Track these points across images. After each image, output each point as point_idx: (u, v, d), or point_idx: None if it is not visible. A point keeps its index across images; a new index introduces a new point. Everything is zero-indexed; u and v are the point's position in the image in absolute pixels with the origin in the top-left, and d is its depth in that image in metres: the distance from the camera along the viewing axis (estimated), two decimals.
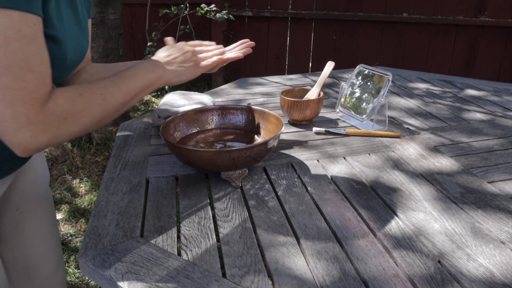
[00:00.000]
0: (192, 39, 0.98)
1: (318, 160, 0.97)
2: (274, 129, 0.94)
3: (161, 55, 0.82)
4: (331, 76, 1.69)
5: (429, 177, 0.90)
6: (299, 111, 1.13)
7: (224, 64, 0.94)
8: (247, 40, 0.97)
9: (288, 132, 1.12)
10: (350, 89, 1.19)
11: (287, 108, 1.14)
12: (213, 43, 0.95)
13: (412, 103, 1.37)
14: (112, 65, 0.93)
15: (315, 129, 1.12)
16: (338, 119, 1.22)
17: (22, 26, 0.55)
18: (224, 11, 2.92)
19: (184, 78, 0.83)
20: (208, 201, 0.81)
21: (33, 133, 0.58)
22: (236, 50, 0.94)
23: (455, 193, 0.84)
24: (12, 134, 0.57)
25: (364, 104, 1.13)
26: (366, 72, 1.17)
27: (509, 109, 1.32)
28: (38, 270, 0.94)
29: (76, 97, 0.64)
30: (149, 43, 2.83)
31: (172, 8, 2.86)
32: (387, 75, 1.11)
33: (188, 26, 3.04)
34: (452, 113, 1.28)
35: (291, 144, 1.05)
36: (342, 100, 1.20)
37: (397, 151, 1.02)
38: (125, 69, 0.74)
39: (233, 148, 0.81)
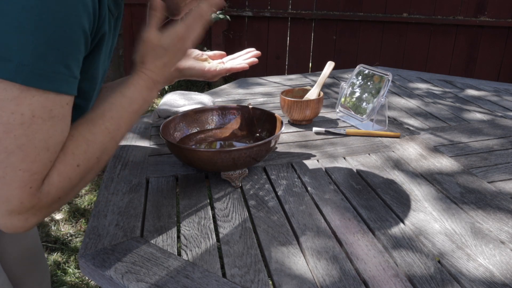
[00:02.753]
0: None
1: (318, 160, 0.97)
2: (274, 129, 0.94)
3: (156, 63, 0.69)
4: (331, 76, 1.69)
5: (429, 177, 0.90)
6: (299, 111, 1.13)
7: (227, 74, 0.94)
8: (253, 49, 0.97)
9: (288, 132, 1.13)
10: (350, 89, 1.19)
11: (287, 108, 1.14)
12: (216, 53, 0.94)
13: (412, 103, 1.37)
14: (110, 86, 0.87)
15: (315, 129, 1.12)
16: (338, 119, 1.22)
17: (55, 106, 0.53)
18: (220, 11, 2.92)
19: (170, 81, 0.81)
20: (208, 201, 0.81)
21: (24, 217, 0.54)
22: (241, 60, 0.94)
23: (455, 193, 0.84)
24: (0, 216, 0.53)
25: (364, 104, 1.13)
26: (366, 72, 1.17)
27: (509, 109, 1.32)
28: None
29: (72, 171, 0.58)
30: None
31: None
32: (387, 75, 1.11)
33: None
34: (452, 113, 1.28)
35: (291, 144, 1.05)
36: (342, 100, 1.20)
37: (397, 151, 1.02)
38: (121, 100, 0.66)
39: (233, 148, 0.81)
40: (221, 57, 0.97)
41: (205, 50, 0.98)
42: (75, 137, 0.59)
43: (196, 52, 0.97)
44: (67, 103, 0.55)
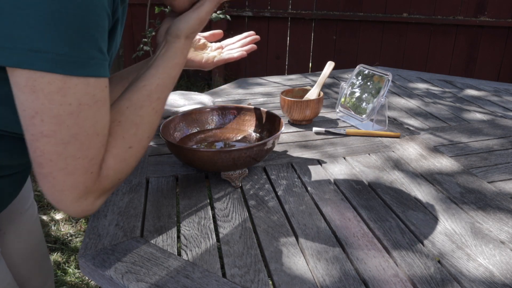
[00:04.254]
0: None
1: (318, 160, 0.97)
2: (274, 129, 0.94)
3: (182, 22, 0.69)
4: (331, 76, 1.69)
5: (429, 177, 0.90)
6: (299, 111, 1.13)
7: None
8: (252, 32, 0.95)
9: (288, 132, 1.12)
10: (350, 89, 1.19)
11: (287, 108, 1.14)
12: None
13: (412, 103, 1.37)
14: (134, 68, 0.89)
15: (315, 129, 1.12)
16: (338, 119, 1.22)
17: (96, 91, 0.54)
18: (220, 11, 2.92)
19: None
20: (208, 201, 0.81)
21: (91, 201, 0.58)
22: (239, 48, 0.93)
23: (455, 193, 0.84)
24: (70, 203, 0.56)
25: (364, 104, 1.13)
26: (366, 72, 1.17)
27: (509, 109, 1.32)
28: (27, 287, 0.93)
29: (126, 153, 0.61)
30: (143, 40, 2.82)
31: (168, 6, 2.85)
32: (387, 75, 1.11)
33: None
34: (452, 113, 1.28)
35: (291, 144, 1.05)
36: (342, 100, 1.20)
37: (397, 151, 1.02)
38: (167, 81, 0.67)
39: (233, 148, 0.81)
40: (218, 36, 0.95)
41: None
42: (122, 122, 0.62)
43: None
44: (106, 86, 0.56)
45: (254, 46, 0.93)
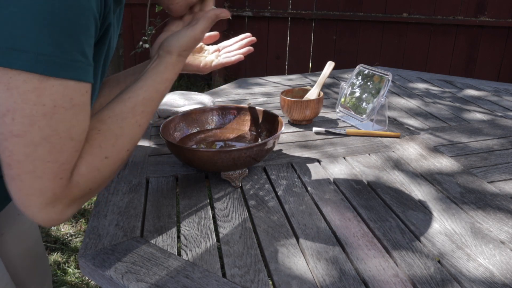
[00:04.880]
0: None
1: (318, 160, 0.97)
2: (274, 129, 0.94)
3: (176, 43, 0.69)
4: (331, 76, 1.69)
5: (429, 177, 0.90)
6: (299, 111, 1.13)
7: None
8: (249, 34, 0.96)
9: (288, 132, 1.12)
10: (350, 89, 1.19)
11: (287, 108, 1.14)
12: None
13: (412, 103, 1.37)
14: (126, 74, 0.88)
15: (315, 129, 1.12)
16: (338, 119, 1.22)
17: (75, 95, 0.52)
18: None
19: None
20: (208, 201, 0.81)
21: (59, 209, 0.55)
22: (236, 51, 0.93)
23: (455, 193, 0.84)
24: (37, 209, 0.54)
25: (364, 104, 1.13)
26: (366, 72, 1.17)
27: (509, 109, 1.32)
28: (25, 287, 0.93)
29: (100, 162, 0.59)
30: (143, 38, 2.83)
31: None
32: (387, 75, 1.11)
33: None
34: (452, 113, 1.28)
35: (291, 144, 1.05)
36: (342, 100, 1.20)
37: (397, 151, 1.02)
38: (154, 96, 0.65)
39: (233, 148, 0.81)
40: (215, 38, 0.95)
41: None
42: (102, 131, 0.59)
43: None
44: (87, 91, 0.54)
45: (251, 48, 0.93)
